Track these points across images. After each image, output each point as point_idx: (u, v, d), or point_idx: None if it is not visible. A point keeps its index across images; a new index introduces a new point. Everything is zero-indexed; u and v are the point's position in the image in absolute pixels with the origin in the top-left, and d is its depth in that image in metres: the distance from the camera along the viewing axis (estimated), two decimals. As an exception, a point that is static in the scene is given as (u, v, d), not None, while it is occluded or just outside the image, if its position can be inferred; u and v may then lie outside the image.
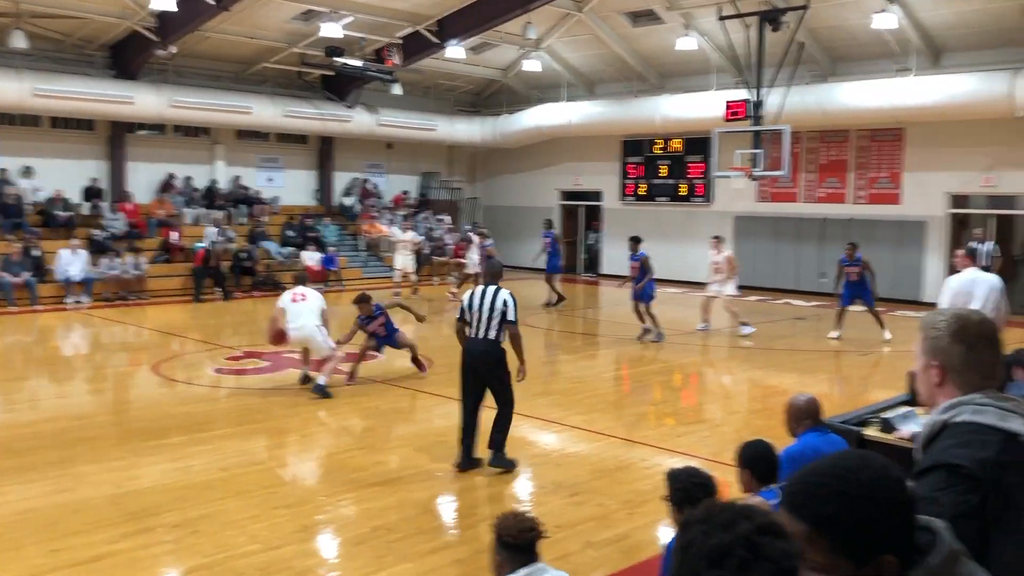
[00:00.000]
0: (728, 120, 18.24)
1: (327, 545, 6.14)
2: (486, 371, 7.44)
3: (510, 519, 3.34)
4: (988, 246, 17.33)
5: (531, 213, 26.98)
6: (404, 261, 20.86)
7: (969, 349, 2.24)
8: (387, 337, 11.21)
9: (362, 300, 11.00)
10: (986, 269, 17.37)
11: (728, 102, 18.33)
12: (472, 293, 7.58)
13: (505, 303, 7.41)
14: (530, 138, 25.59)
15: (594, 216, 26.38)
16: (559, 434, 8.91)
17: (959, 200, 19.84)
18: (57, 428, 8.77)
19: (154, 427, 8.85)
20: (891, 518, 1.57)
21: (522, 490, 7.38)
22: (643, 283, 14.49)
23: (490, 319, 7.38)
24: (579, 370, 13.07)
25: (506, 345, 7.54)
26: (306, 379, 10.53)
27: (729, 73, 20.29)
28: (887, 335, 14.18)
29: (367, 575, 5.44)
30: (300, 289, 10.58)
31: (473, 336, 7.43)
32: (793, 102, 17.97)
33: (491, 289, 7.51)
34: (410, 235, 21.29)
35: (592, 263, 26.12)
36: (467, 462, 7.43)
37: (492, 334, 7.38)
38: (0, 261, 17.48)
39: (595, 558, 5.69)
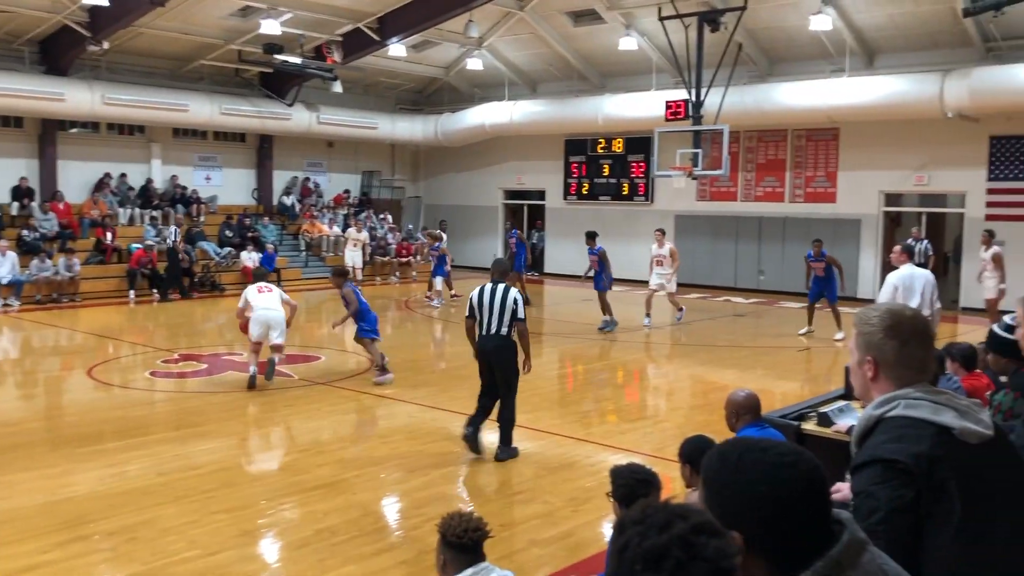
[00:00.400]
0: (668, 120, 18.43)
1: (268, 549, 6.05)
2: (501, 363, 7.71)
3: (455, 519, 3.32)
4: (924, 245, 17.88)
5: (474, 212, 26.97)
6: (354, 258, 21.39)
7: (902, 344, 2.28)
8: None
9: (335, 274, 11.28)
10: (922, 267, 18.06)
11: (668, 102, 18.52)
12: (481, 291, 7.78)
13: (515, 300, 7.73)
14: (473, 137, 25.55)
15: (538, 215, 26.45)
16: (504, 433, 8.90)
17: (892, 198, 20.35)
18: (-14, 435, 8.48)
19: (89, 432, 8.62)
20: (773, 501, 1.56)
21: (467, 490, 7.36)
22: (606, 275, 15.38)
23: (501, 315, 7.66)
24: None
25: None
26: (254, 382, 10.33)
27: (669, 73, 20.52)
28: (839, 335, 14.34)
29: (310, 579, 5.37)
30: (262, 284, 10.79)
31: (485, 333, 7.71)
32: (732, 102, 18.22)
33: (500, 286, 7.76)
34: (364, 234, 21.80)
35: (536, 262, 26.18)
36: (477, 440, 7.72)
37: (504, 330, 7.67)
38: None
39: (540, 556, 5.69)
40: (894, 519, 2.05)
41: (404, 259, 24.40)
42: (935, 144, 18.84)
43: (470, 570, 3.19)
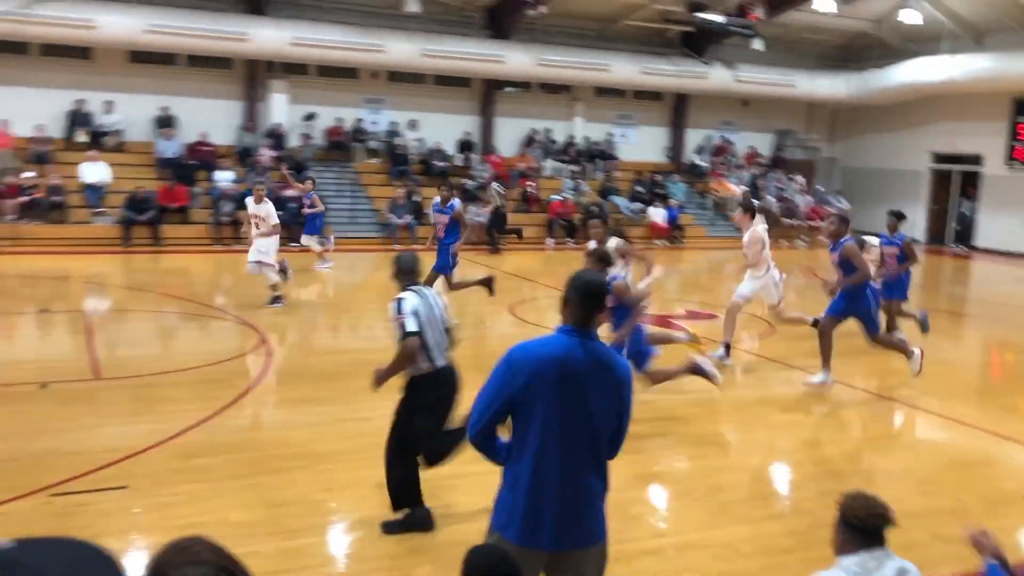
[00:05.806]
0: None
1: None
2: None
3: (858, 500, 3.28)
4: None
5: (895, 176, 25.08)
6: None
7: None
8: None
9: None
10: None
11: None
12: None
13: None
14: (901, 95, 23.64)
15: (970, 182, 23.88)
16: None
17: None
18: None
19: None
20: None
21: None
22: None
23: None
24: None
25: None
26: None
27: None
28: None
29: None
30: None
31: None
32: None
33: None
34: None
35: (963, 234, 23.73)
36: None
37: None
38: (387, 204, 19.73)
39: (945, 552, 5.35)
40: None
41: (814, 222, 23.49)
42: None
43: (866, 554, 3.15)
